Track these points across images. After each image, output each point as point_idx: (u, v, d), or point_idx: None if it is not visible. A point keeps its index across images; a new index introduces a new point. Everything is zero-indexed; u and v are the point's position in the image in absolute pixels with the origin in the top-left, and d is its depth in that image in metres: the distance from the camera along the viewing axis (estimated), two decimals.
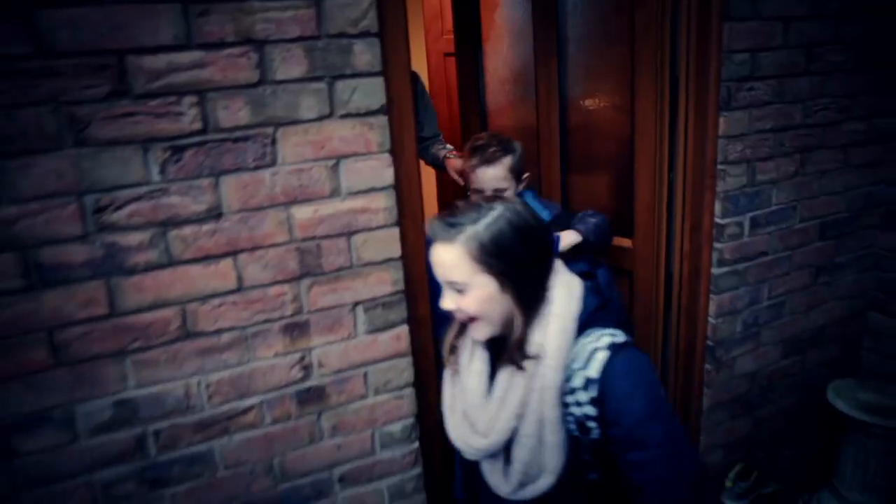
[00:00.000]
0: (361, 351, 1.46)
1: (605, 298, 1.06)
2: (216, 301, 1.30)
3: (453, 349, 1.14)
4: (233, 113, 1.22)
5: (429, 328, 1.56)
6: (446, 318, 1.13)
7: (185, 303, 1.28)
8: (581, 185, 2.45)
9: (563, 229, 1.85)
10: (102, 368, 1.25)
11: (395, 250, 1.43)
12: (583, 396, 0.98)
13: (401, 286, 1.46)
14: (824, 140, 2.03)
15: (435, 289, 1.48)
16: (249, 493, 1.46)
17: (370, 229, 1.39)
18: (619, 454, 0.99)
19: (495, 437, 1.02)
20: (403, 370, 1.52)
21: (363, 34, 1.29)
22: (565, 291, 1.01)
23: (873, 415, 2.08)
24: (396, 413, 1.54)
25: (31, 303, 1.17)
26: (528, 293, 0.99)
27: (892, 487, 2.18)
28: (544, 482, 1.02)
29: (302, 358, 1.41)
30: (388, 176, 1.38)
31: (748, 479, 2.21)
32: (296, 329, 1.38)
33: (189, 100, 1.18)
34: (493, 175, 1.82)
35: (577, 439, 1.02)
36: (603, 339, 0.98)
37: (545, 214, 1.93)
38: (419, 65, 2.56)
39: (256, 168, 1.26)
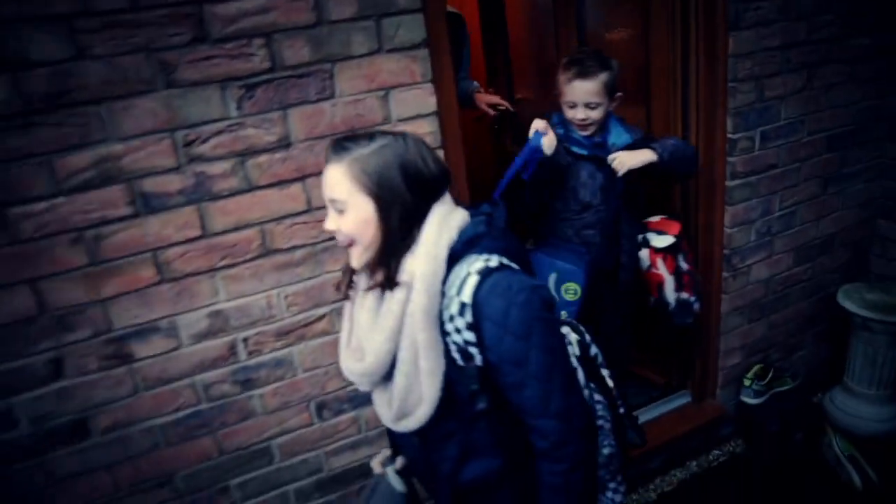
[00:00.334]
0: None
1: (492, 229, 1.06)
2: (289, 221, 1.49)
3: (351, 281, 1.14)
4: (296, 52, 1.38)
5: None
6: None
7: (263, 223, 1.47)
8: None
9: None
10: (198, 283, 1.46)
11: None
12: (460, 322, 0.99)
13: None
14: (830, 55, 2.14)
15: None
16: (324, 392, 1.68)
17: None
18: (499, 378, 1.02)
19: (370, 360, 1.04)
20: None
21: None
22: (439, 220, 1.01)
23: (879, 312, 2.25)
24: None
25: (138, 228, 1.37)
26: (403, 221, 1.00)
27: None
28: (422, 411, 1.02)
29: None
30: (431, 103, 1.54)
31: (765, 378, 2.41)
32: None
33: (258, 42, 1.35)
34: (587, 89, 1.84)
35: (462, 368, 1.02)
36: (476, 265, 0.99)
37: (626, 138, 1.93)
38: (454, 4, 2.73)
39: (318, 100, 1.43)
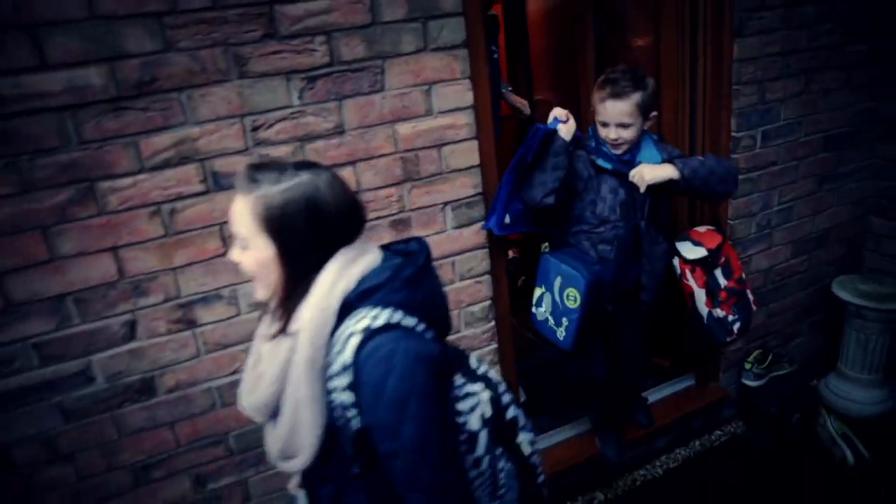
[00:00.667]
0: (450, 243, 1.82)
1: (394, 278, 0.97)
2: None
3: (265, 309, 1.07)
4: (352, 48, 1.55)
5: None
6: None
7: None
8: None
9: None
10: None
11: (475, 159, 1.77)
12: (342, 381, 0.94)
13: (479, 189, 1.80)
14: (828, 62, 2.33)
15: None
16: None
17: (455, 142, 1.73)
18: (374, 444, 0.96)
19: (257, 397, 1.00)
20: (482, 260, 1.88)
21: None
22: (338, 267, 0.96)
23: (872, 301, 2.42)
24: (477, 296, 1.91)
25: (208, 204, 1.53)
26: (302, 268, 0.96)
27: (889, 364, 2.54)
28: (299, 461, 0.99)
29: None
30: (468, 98, 1.71)
31: (764, 362, 2.57)
32: (400, 224, 1.74)
33: (320, 39, 1.51)
34: (620, 109, 1.79)
35: (340, 429, 0.97)
36: (361, 323, 0.92)
37: (656, 157, 1.88)
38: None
39: (370, 93, 1.60)
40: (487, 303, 1.93)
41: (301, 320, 0.95)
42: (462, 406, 1.06)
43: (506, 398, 1.14)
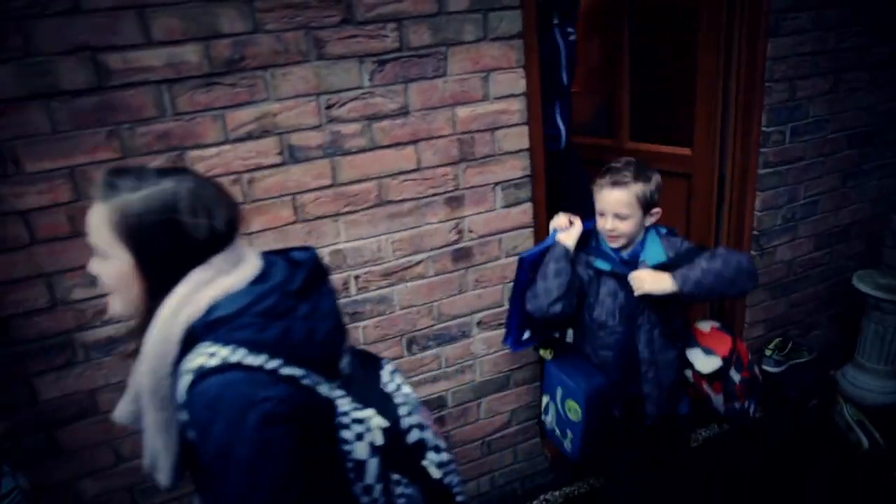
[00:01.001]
0: (498, 221, 1.94)
1: (244, 313, 0.91)
2: (402, 177, 1.78)
3: None
4: (419, 35, 1.68)
5: (543, 208, 2.03)
6: None
7: (381, 178, 1.76)
8: (648, 107, 2.88)
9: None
10: (325, 225, 1.75)
11: (525, 143, 1.89)
12: (184, 415, 0.90)
13: (528, 171, 1.93)
14: (855, 62, 2.43)
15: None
16: (415, 329, 1.96)
17: (508, 126, 1.85)
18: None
19: (120, 409, 1.00)
20: (527, 238, 2.00)
21: None
22: (187, 291, 0.90)
23: (891, 294, 2.53)
24: None
25: (283, 175, 1.66)
26: (162, 282, 0.90)
27: None
28: (161, 477, 0.97)
29: (457, 224, 1.89)
30: (521, 85, 1.83)
31: (784, 349, 2.68)
32: (454, 201, 1.86)
33: (391, 25, 1.64)
34: (616, 198, 1.69)
35: (196, 450, 0.92)
36: (196, 360, 0.87)
37: (661, 257, 1.75)
38: None
39: (433, 77, 1.72)
40: None
41: (145, 346, 0.90)
42: (347, 434, 1.00)
43: (410, 420, 1.06)
